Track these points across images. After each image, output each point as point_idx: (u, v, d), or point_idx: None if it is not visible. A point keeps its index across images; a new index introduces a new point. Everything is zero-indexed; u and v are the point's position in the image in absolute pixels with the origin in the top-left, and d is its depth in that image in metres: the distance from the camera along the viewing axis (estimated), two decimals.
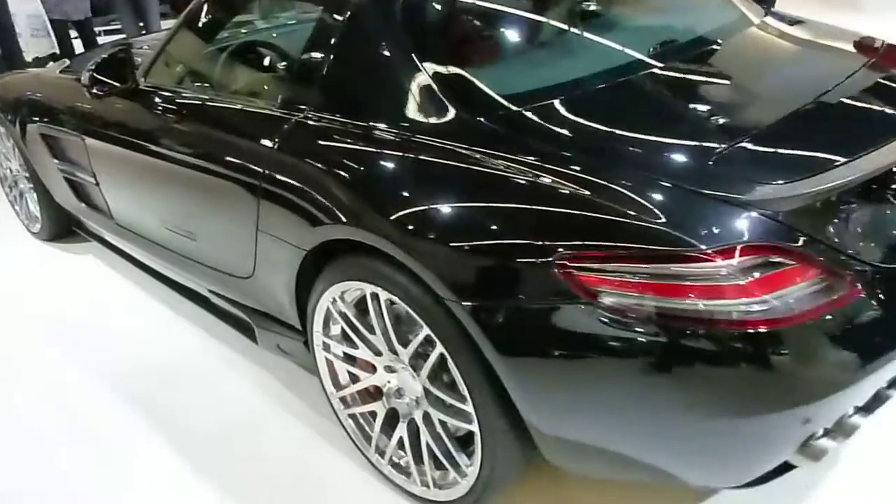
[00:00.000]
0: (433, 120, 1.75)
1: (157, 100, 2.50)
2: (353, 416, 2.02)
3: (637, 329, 1.35)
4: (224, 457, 2.18)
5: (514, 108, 1.73)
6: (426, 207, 1.62)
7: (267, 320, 2.26)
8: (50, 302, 3.17)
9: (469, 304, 1.49)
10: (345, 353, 1.97)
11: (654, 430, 1.45)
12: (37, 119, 3.14)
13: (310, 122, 1.95)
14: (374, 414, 1.97)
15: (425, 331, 1.64)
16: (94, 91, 2.53)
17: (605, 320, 1.36)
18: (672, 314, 1.33)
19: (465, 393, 1.62)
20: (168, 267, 2.72)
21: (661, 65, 1.92)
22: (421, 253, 1.56)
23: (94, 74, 2.51)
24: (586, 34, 2.13)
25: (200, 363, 2.60)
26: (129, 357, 2.70)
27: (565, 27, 2.17)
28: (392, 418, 1.90)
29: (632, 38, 2.04)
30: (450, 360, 1.62)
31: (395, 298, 1.68)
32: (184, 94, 2.49)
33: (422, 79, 1.79)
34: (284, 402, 2.35)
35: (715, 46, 2.13)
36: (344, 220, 1.73)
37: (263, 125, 2.06)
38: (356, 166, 1.79)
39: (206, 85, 2.58)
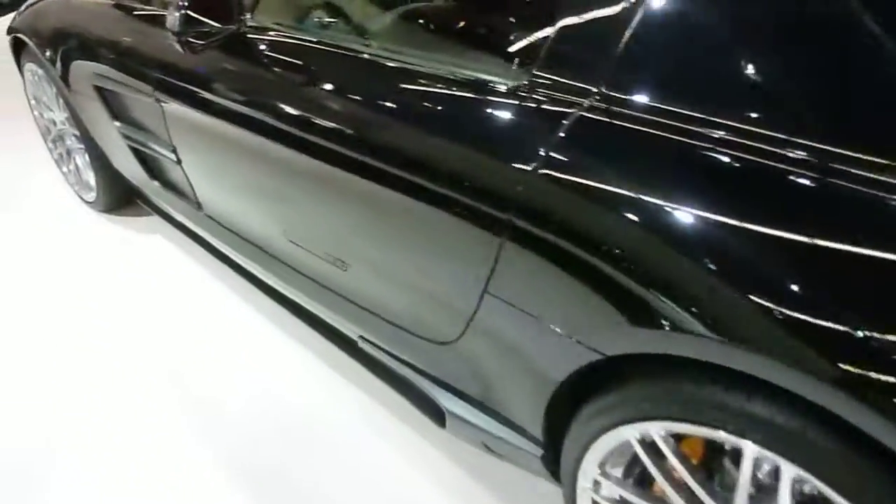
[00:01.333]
0: None
1: (276, 50, 1.66)
2: None
3: None
4: None
5: None
6: None
7: (466, 405, 1.48)
8: (114, 300, 2.40)
9: None
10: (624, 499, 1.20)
11: None
12: (86, 62, 2.31)
13: (620, 117, 1.06)
14: None
15: None
16: (189, 40, 1.66)
17: None
18: None
19: None
20: (288, 289, 1.93)
21: None
22: None
23: (189, 13, 1.63)
24: None
25: (337, 423, 1.84)
26: (231, 392, 1.96)
27: None
28: None
29: None
30: None
31: (828, 490, 0.88)
32: (328, 42, 1.61)
33: None
34: None
35: None
36: (718, 335, 0.90)
37: (511, 113, 1.20)
38: (759, 226, 0.90)
39: (370, 29, 1.66)
